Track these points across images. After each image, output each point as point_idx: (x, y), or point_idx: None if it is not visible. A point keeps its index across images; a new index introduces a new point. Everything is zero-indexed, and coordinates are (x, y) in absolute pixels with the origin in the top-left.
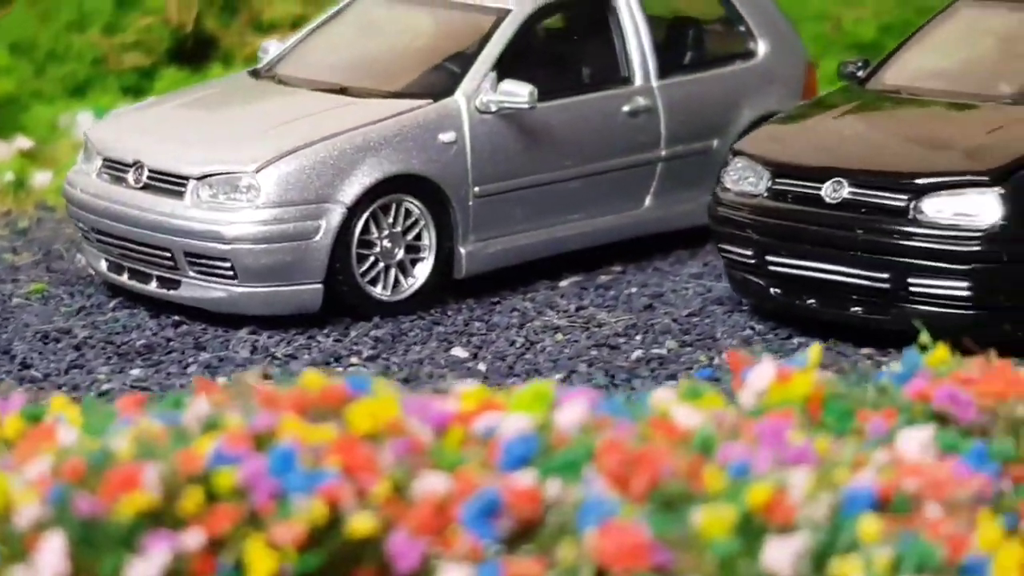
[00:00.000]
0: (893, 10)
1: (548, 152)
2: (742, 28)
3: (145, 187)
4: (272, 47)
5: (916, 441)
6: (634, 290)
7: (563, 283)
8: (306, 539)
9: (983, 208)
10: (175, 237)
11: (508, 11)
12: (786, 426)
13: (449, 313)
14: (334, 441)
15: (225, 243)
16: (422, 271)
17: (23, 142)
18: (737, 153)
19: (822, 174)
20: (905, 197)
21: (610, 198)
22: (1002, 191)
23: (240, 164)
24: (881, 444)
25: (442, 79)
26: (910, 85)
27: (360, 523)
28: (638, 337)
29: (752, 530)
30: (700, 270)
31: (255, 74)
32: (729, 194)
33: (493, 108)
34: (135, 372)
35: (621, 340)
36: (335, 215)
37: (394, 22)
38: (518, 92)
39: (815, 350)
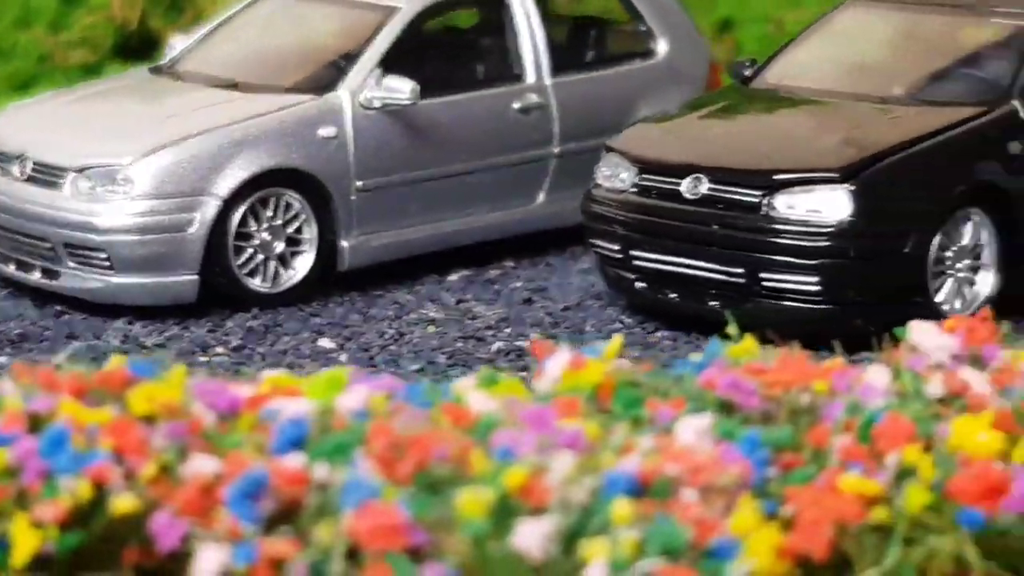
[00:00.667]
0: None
1: (434, 147)
2: (643, 28)
3: (29, 179)
4: (178, 43)
5: (692, 428)
6: (519, 284)
7: (452, 277)
8: (70, 518)
9: (832, 204)
10: (54, 228)
11: (397, 8)
12: (554, 413)
13: (330, 305)
14: (108, 423)
15: (100, 234)
16: (303, 264)
17: None
18: (609, 149)
19: (682, 170)
20: (759, 193)
21: (501, 194)
22: (851, 188)
23: (116, 157)
24: (662, 431)
25: (327, 75)
26: (787, 84)
27: (122, 503)
28: (507, 330)
29: (507, 511)
30: (590, 266)
31: (156, 70)
32: (600, 190)
33: (377, 104)
34: (1, 359)
35: (489, 333)
36: (210, 208)
37: (292, 19)
38: (400, 88)
39: (615, 341)
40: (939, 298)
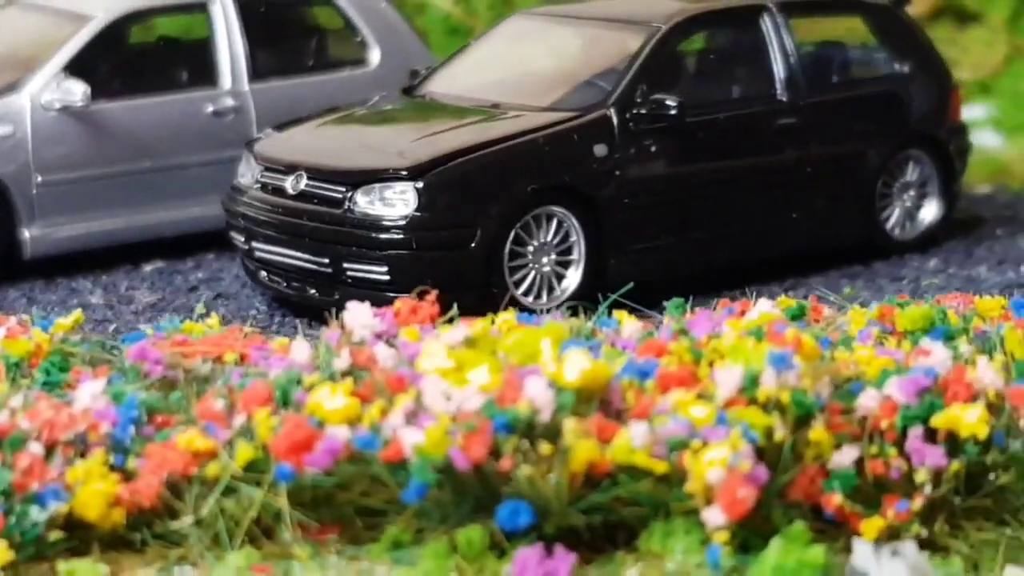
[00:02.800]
0: None
1: (120, 145)
2: (357, 37)
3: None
4: None
5: (88, 391)
6: (201, 274)
7: (146, 267)
8: None
9: (401, 201)
10: None
11: (91, 18)
12: None
13: (8, 288)
14: None
15: None
16: None
17: None
18: (247, 149)
19: (289, 168)
20: (343, 190)
21: (197, 191)
22: (418, 186)
23: None
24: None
25: (11, 79)
26: (435, 92)
27: None
28: (147, 316)
29: None
30: None
31: None
32: (236, 187)
33: (57, 105)
34: None
35: (123, 320)
36: None
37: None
38: (73, 90)
39: (73, 316)
40: (521, 289)
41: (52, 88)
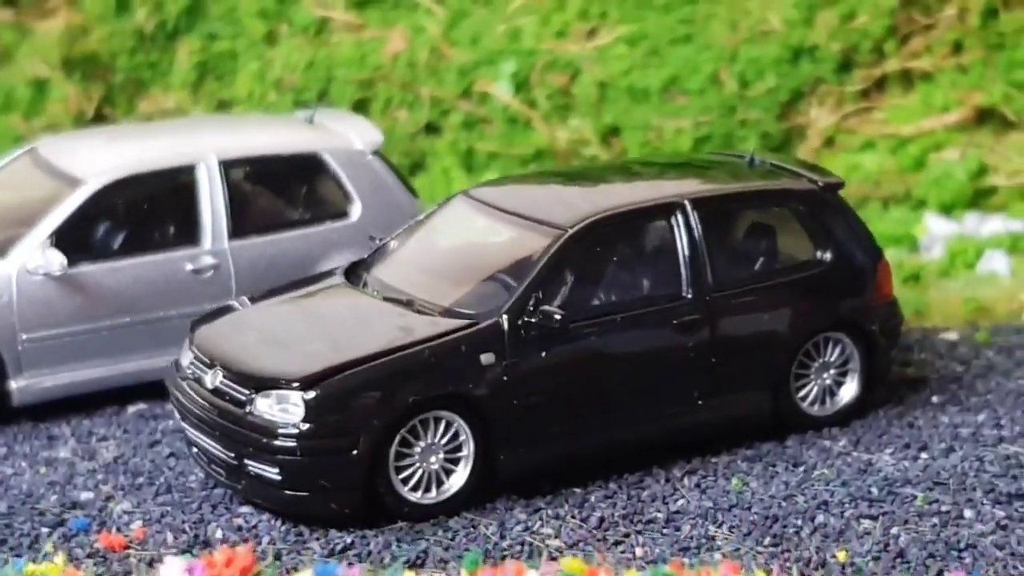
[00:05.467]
0: (714, 122)
1: (101, 304)
2: (340, 192)
3: None
4: None
5: None
6: (170, 423)
7: (131, 409)
8: None
9: (293, 409)
10: None
11: (82, 182)
12: None
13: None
14: None
15: None
16: None
17: None
18: (191, 330)
19: (210, 362)
20: (247, 392)
21: (176, 340)
22: (307, 397)
23: None
24: None
25: (3, 245)
26: (372, 277)
27: None
28: (99, 476)
29: None
30: None
31: None
32: (177, 364)
33: (40, 272)
34: None
35: (79, 480)
36: None
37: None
38: (52, 261)
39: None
40: (408, 486)
41: (36, 256)
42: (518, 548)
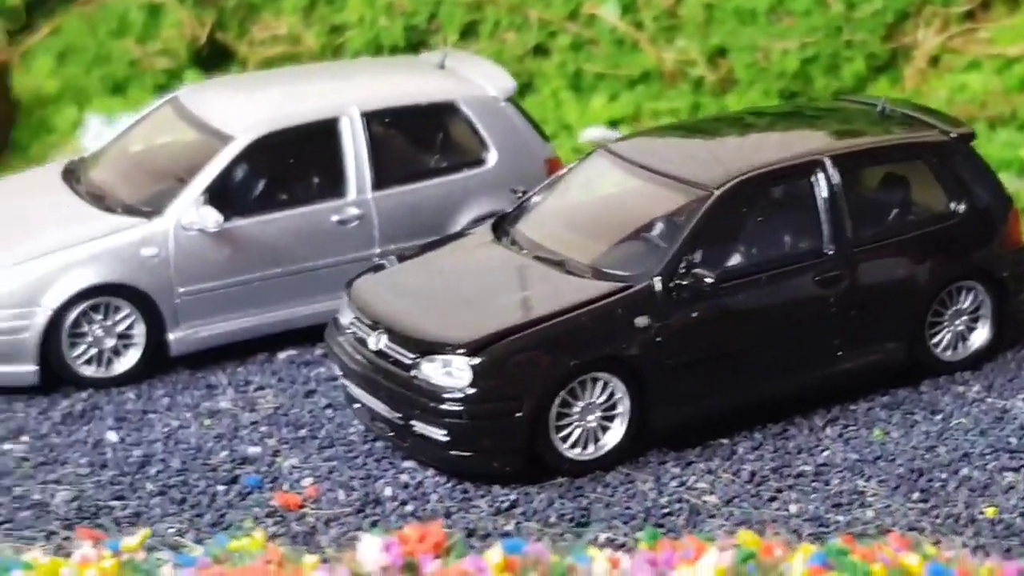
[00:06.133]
0: (820, 43)
1: (253, 256)
2: (476, 139)
3: None
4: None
5: None
6: (322, 370)
7: (281, 355)
8: None
9: (458, 373)
10: None
11: (232, 138)
12: None
13: (157, 385)
14: None
15: None
16: (134, 354)
17: None
18: (347, 288)
19: (373, 324)
20: (412, 356)
21: (323, 289)
22: (473, 363)
23: None
24: None
25: (155, 191)
26: (524, 234)
27: None
28: (263, 429)
29: None
30: None
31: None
32: (333, 322)
33: (195, 227)
34: None
35: (244, 433)
36: (41, 316)
37: (164, 138)
38: (208, 218)
39: (140, 535)
40: (566, 445)
41: (191, 212)
42: (677, 506)
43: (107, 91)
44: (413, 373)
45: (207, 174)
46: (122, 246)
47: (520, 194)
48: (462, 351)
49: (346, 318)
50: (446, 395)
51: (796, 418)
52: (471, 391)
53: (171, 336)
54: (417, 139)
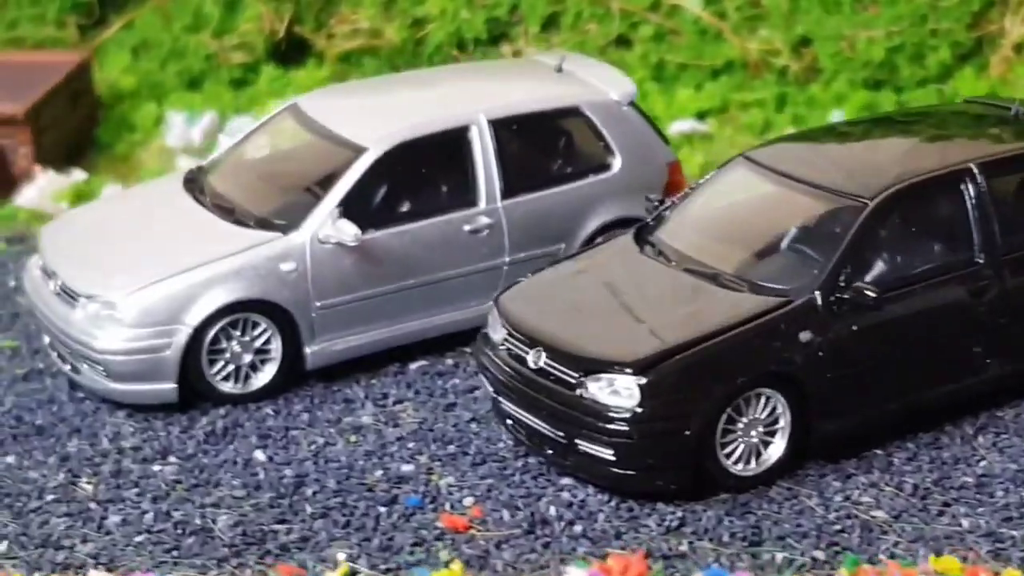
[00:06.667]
0: (905, 31)
1: (387, 269)
2: (601, 144)
3: (57, 295)
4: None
5: None
6: (457, 382)
7: (412, 366)
8: None
9: (627, 393)
10: (70, 340)
11: (363, 149)
12: None
13: (294, 400)
14: None
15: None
16: (270, 369)
17: (79, 174)
18: (496, 304)
19: (530, 341)
20: (576, 375)
21: (454, 299)
22: (641, 382)
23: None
24: None
25: (291, 213)
26: (667, 243)
27: None
28: (411, 445)
29: None
30: None
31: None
32: (483, 337)
33: (332, 240)
34: (9, 459)
35: (392, 449)
36: (183, 335)
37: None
38: (346, 231)
39: (339, 571)
40: (732, 460)
41: (327, 225)
42: (847, 522)
43: (183, 86)
44: (578, 392)
45: (342, 186)
46: (261, 261)
47: (657, 203)
48: (630, 370)
49: (497, 334)
50: (613, 414)
51: (946, 426)
52: (639, 410)
53: (308, 350)
54: (543, 146)
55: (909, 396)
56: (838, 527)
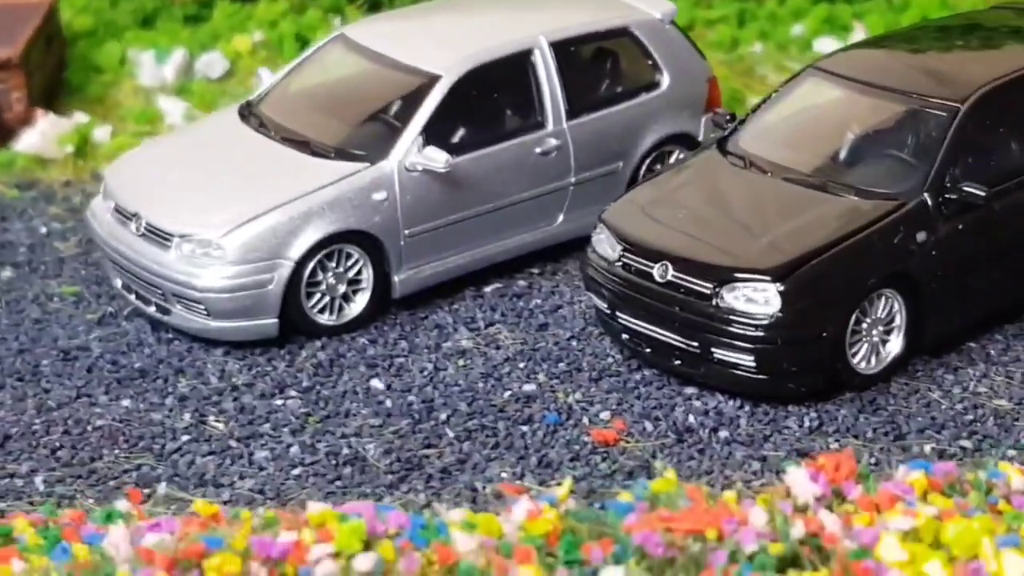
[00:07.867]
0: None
1: (468, 193)
2: (649, 63)
3: (143, 236)
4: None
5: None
6: (539, 302)
7: (487, 289)
8: None
9: (766, 301)
10: (164, 281)
11: (438, 77)
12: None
13: (386, 328)
14: None
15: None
16: (362, 299)
17: (81, 117)
18: (601, 220)
19: (654, 255)
20: (711, 285)
21: (526, 221)
22: (781, 288)
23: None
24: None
25: (372, 143)
26: (754, 154)
27: None
28: (522, 365)
29: None
30: None
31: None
32: (594, 255)
33: (420, 168)
34: (125, 403)
35: (505, 371)
36: (285, 269)
37: (353, 76)
38: (436, 158)
39: (565, 486)
40: (856, 359)
41: (413, 153)
42: (979, 412)
43: (137, 24)
44: (714, 302)
45: (422, 114)
46: (354, 192)
47: (728, 118)
48: (768, 278)
49: (610, 250)
50: (754, 321)
51: None
52: (780, 316)
53: (396, 278)
54: (598, 67)
55: (1012, 291)
56: (970, 417)
